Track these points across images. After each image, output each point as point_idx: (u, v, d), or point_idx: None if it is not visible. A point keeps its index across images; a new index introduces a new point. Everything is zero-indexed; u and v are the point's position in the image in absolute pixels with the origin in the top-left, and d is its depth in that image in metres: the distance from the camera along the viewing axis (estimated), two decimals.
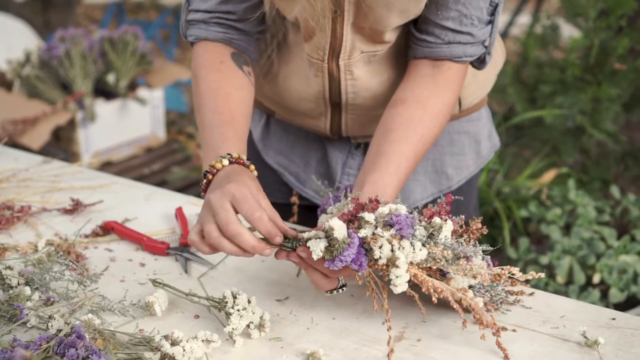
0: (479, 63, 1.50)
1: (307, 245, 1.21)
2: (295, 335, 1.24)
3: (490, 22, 1.44)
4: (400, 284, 1.18)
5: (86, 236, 1.54)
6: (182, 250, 1.47)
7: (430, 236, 1.23)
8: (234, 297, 1.23)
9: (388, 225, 1.21)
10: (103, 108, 4.01)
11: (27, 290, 1.27)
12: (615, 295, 2.57)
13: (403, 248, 1.19)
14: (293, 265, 1.44)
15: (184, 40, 1.68)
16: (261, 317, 1.23)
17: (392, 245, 1.19)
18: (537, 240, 3.07)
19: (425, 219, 1.25)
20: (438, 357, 1.19)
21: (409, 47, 1.50)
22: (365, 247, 1.20)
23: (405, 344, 1.23)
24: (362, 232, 1.20)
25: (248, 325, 1.22)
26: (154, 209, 1.68)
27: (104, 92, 4.12)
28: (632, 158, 3.43)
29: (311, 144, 1.69)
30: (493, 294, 1.32)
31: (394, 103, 1.46)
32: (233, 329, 1.20)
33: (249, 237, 1.21)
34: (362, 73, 1.51)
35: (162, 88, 4.37)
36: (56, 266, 1.37)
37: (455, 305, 1.19)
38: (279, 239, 1.23)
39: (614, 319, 1.29)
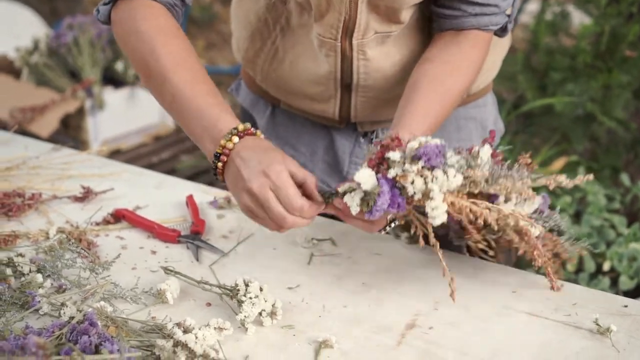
0: (501, 31, 1.52)
1: (344, 200, 1.22)
2: (307, 323, 1.24)
3: None
4: (437, 216, 1.17)
5: (97, 224, 1.54)
6: (193, 238, 1.47)
7: (469, 165, 1.22)
8: (246, 285, 1.22)
9: (416, 159, 1.19)
10: (112, 96, 4.00)
11: (39, 277, 1.27)
12: (625, 282, 2.57)
13: (436, 178, 1.17)
14: (304, 252, 1.45)
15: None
16: (273, 305, 1.23)
17: (424, 178, 1.17)
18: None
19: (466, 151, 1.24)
20: (449, 345, 1.19)
21: (433, 22, 1.50)
22: (398, 186, 1.19)
23: (417, 331, 1.22)
24: (392, 172, 1.19)
25: (260, 313, 1.22)
26: (164, 196, 1.68)
27: (112, 80, 4.11)
28: None
29: (318, 133, 1.67)
30: (547, 224, 1.30)
31: (421, 62, 1.47)
32: (245, 316, 1.20)
33: (308, 211, 1.25)
34: (375, 54, 1.50)
35: None
36: (68, 254, 1.37)
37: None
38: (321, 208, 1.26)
39: (626, 306, 1.29)
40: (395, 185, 1.19)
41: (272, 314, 1.23)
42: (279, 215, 1.23)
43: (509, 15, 1.50)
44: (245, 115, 1.78)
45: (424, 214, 1.21)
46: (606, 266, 2.64)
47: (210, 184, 3.81)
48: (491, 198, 1.23)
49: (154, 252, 1.45)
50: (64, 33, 3.99)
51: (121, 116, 4.08)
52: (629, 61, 3.23)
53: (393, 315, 1.26)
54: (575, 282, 2.56)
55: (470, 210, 1.19)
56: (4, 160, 1.79)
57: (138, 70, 1.42)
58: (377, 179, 1.19)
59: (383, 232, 1.31)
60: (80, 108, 3.88)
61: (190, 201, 1.60)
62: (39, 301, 1.22)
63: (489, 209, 1.20)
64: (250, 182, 1.23)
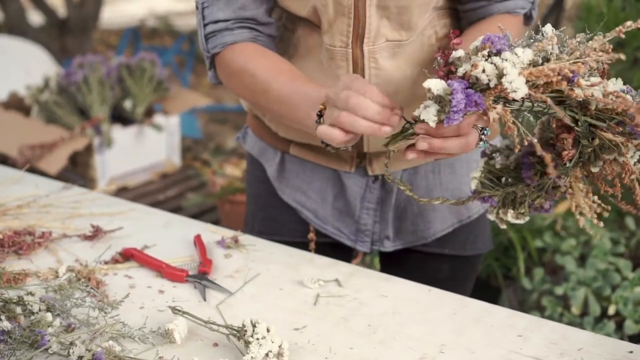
0: (527, 19, 1.57)
1: (421, 119, 1.21)
2: None
3: None
4: (518, 88, 1.14)
5: (106, 263, 1.56)
6: (200, 278, 1.48)
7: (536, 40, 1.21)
8: (253, 326, 1.23)
9: (481, 49, 1.18)
10: (120, 134, 4.04)
11: (49, 316, 1.28)
12: (631, 327, 2.56)
13: (505, 59, 1.15)
14: (310, 293, 1.45)
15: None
16: (280, 346, 1.23)
17: (494, 64, 1.16)
18: (552, 270, 3.06)
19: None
20: None
21: (461, 20, 1.56)
22: (471, 81, 1.17)
23: None
24: (460, 70, 1.18)
25: (267, 354, 1.22)
26: (172, 236, 1.69)
27: (120, 118, 4.16)
28: None
29: (328, 179, 1.68)
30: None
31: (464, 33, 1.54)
32: (252, 357, 1.20)
33: (370, 103, 1.26)
34: (387, 64, 1.51)
35: (178, 115, 4.40)
36: (77, 292, 1.38)
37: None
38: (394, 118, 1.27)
39: (631, 352, 1.29)
40: (468, 84, 1.17)
41: (279, 355, 1.23)
42: (343, 98, 1.28)
43: (532, 2, 1.55)
44: (253, 164, 1.78)
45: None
46: (611, 310, 2.64)
47: (216, 222, 3.85)
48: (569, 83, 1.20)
49: (161, 292, 1.46)
50: (74, 71, 4.04)
51: (129, 154, 4.11)
52: None
53: (399, 358, 1.26)
54: (581, 325, 2.57)
55: (550, 76, 1.15)
56: (15, 198, 1.80)
57: (247, 97, 1.57)
58: (447, 83, 1.17)
59: (480, 145, 1.30)
60: (88, 145, 3.91)
61: (198, 241, 1.62)
62: (49, 340, 1.23)
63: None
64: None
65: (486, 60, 1.16)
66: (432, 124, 1.19)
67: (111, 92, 4.08)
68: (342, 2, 1.44)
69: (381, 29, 1.47)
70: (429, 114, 1.19)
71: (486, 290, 2.95)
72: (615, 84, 1.22)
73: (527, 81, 1.16)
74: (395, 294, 1.47)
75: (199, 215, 3.91)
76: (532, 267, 2.98)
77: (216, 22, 1.53)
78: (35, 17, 7.26)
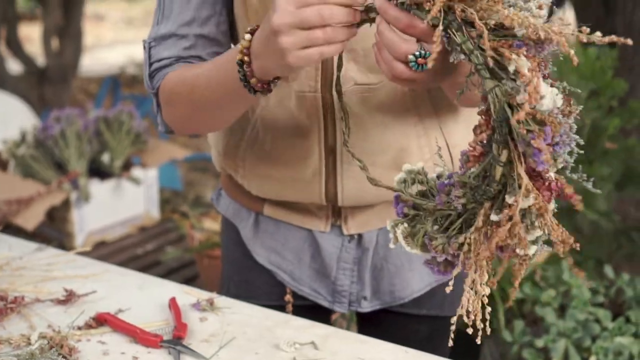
0: None
1: None
2: None
3: None
4: None
5: (79, 328, 1.54)
6: (175, 343, 1.46)
7: None
8: None
9: None
10: (97, 188, 4.02)
11: None
12: None
13: None
14: (286, 357, 1.44)
15: None
16: None
17: None
18: (532, 321, 3.05)
19: None
20: None
21: None
22: None
23: None
24: None
25: None
26: (147, 298, 1.67)
27: (98, 171, 4.14)
28: (625, 236, 3.44)
29: (303, 240, 1.67)
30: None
31: None
32: None
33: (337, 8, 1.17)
34: (357, 109, 1.50)
35: (157, 167, 4.40)
36: None
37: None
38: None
39: None
40: None
41: None
42: None
43: None
44: (228, 226, 1.77)
45: None
46: None
47: (194, 276, 3.83)
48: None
49: (135, 358, 1.44)
50: (51, 125, 4.03)
51: (107, 208, 4.09)
52: (610, 153, 3.28)
53: None
54: None
55: None
56: None
57: (186, 106, 1.48)
58: None
59: (408, 72, 1.16)
60: (66, 200, 3.89)
61: (172, 304, 1.60)
62: None
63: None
64: (272, 31, 1.19)
65: None
66: None
67: (89, 145, 4.07)
68: None
69: (349, 72, 1.47)
70: None
71: (467, 343, 2.94)
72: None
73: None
74: (372, 356, 1.45)
75: (177, 269, 3.89)
76: (512, 319, 2.97)
77: (160, 60, 1.52)
78: (14, 66, 7.27)
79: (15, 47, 6.80)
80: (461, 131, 1.58)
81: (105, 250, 3.98)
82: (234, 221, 1.75)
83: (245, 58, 1.28)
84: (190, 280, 3.81)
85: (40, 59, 7.28)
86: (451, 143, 1.51)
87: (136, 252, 4.06)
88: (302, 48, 1.18)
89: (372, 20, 1.20)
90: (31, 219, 3.72)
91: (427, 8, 1.06)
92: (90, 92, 8.31)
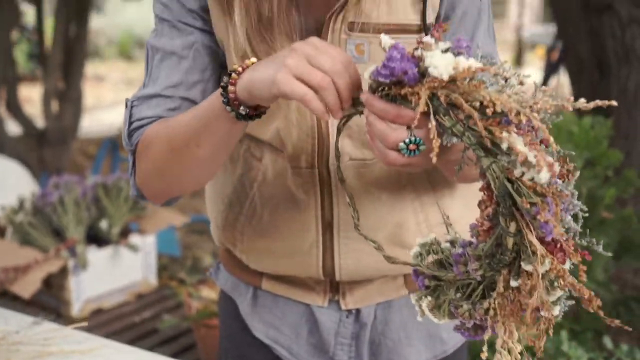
0: None
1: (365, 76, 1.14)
2: None
3: None
4: (437, 66, 1.05)
5: None
6: None
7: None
8: None
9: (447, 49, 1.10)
10: (95, 255, 4.02)
11: None
12: None
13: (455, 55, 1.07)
14: None
15: None
16: None
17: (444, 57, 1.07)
18: None
19: None
20: None
21: None
22: (416, 55, 1.09)
23: None
24: (418, 52, 1.10)
25: None
26: None
27: (96, 238, 4.14)
28: (623, 306, 3.43)
29: (301, 314, 1.67)
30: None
31: None
32: None
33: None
34: (354, 184, 1.50)
35: (155, 233, 4.39)
36: None
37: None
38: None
39: None
40: (416, 64, 1.09)
41: None
42: (337, 51, 1.19)
43: None
44: (226, 300, 1.78)
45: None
46: None
47: (192, 345, 3.80)
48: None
49: None
50: (49, 192, 4.04)
51: (104, 275, 4.08)
52: (607, 223, 3.29)
53: None
54: None
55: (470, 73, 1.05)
56: None
57: (164, 153, 1.44)
58: (395, 43, 1.11)
59: (401, 158, 1.16)
60: (63, 267, 3.88)
61: None
62: None
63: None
64: (286, 52, 1.20)
65: (443, 52, 1.09)
66: (367, 75, 1.13)
67: (87, 212, 4.08)
68: (304, 122, 1.46)
69: (345, 147, 1.48)
70: (367, 71, 1.14)
71: None
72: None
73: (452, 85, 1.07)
74: None
75: (174, 337, 3.86)
76: None
77: (141, 119, 1.49)
78: (13, 127, 7.30)
79: (15, 109, 6.82)
80: (458, 207, 1.59)
81: (103, 318, 3.96)
82: (232, 295, 1.75)
83: (240, 69, 1.27)
84: (187, 349, 3.78)
85: (39, 120, 7.32)
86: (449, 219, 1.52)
87: (133, 319, 4.03)
88: (297, 77, 1.18)
89: (361, 112, 1.22)
90: (28, 287, 3.71)
91: (412, 101, 1.09)
92: (90, 154, 8.33)
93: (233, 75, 1.27)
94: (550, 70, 7.77)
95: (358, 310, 1.64)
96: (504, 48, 12.47)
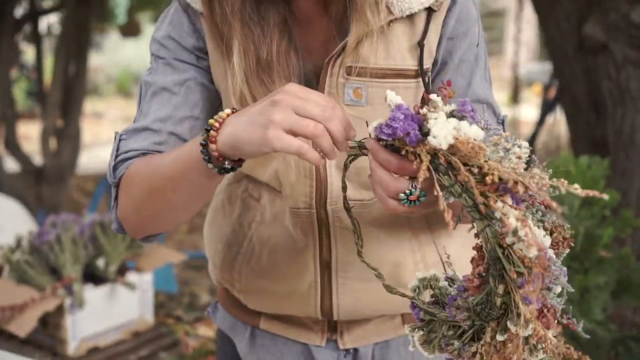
0: None
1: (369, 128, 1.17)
2: None
3: None
4: (437, 135, 1.07)
5: None
6: None
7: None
8: None
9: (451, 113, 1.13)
10: (92, 294, 4.00)
11: None
12: None
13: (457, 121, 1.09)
14: None
15: None
16: None
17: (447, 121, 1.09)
18: None
19: None
20: None
21: None
22: (419, 117, 1.11)
23: None
24: (423, 110, 1.12)
25: None
26: None
27: (93, 276, 4.12)
28: (622, 345, 3.42)
29: (299, 354, 1.67)
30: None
31: None
32: None
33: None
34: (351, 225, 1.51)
35: (152, 271, 4.38)
36: None
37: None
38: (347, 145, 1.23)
39: None
40: (417, 117, 1.12)
41: None
42: (320, 96, 1.19)
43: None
44: (224, 340, 1.78)
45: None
46: None
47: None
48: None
49: None
50: (46, 231, 4.03)
51: (101, 313, 4.06)
52: (605, 262, 3.29)
53: None
54: None
55: (471, 149, 1.06)
56: None
57: (146, 191, 1.42)
58: (400, 103, 1.13)
59: (401, 207, 1.18)
60: (59, 306, 3.86)
61: None
62: None
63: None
64: (266, 105, 1.20)
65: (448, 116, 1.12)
66: (373, 127, 1.16)
67: (84, 250, 4.07)
68: (302, 164, 1.46)
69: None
70: (372, 126, 1.16)
71: None
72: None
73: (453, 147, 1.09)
74: None
75: None
76: None
77: (127, 151, 1.49)
78: (11, 164, 7.31)
79: (13, 146, 6.84)
80: (456, 246, 1.60)
81: (99, 357, 3.93)
82: (230, 334, 1.74)
83: (216, 124, 1.25)
84: None
85: (37, 157, 7.32)
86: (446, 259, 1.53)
87: (129, 358, 4.01)
88: (288, 131, 1.18)
89: (366, 154, 1.24)
90: (24, 325, 3.69)
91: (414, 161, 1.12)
92: (87, 191, 8.33)
93: (211, 132, 1.26)
94: (547, 108, 7.80)
95: (356, 350, 1.64)
96: (500, 85, 12.51)
